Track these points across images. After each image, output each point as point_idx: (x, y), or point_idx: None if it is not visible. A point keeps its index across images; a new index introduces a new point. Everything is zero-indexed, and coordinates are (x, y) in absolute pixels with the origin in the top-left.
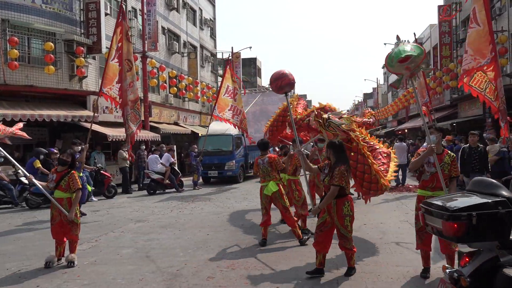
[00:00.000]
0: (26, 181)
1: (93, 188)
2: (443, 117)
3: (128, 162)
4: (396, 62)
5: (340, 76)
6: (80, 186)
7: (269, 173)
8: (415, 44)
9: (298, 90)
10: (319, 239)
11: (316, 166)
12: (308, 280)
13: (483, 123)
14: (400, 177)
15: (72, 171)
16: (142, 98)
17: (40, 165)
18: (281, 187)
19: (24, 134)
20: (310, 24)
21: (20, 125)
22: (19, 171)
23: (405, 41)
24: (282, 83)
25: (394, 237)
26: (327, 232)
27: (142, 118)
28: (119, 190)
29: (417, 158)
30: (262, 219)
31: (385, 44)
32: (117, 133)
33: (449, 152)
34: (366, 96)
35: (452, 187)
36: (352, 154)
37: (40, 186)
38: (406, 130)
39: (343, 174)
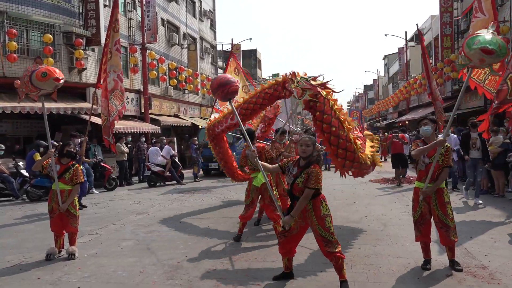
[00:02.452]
0: (26, 174)
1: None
2: (444, 108)
3: (126, 155)
4: (478, 49)
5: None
6: (83, 180)
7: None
8: (503, 41)
9: None
10: (283, 244)
11: (277, 165)
12: (310, 273)
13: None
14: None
15: (77, 165)
16: (142, 90)
17: (40, 158)
18: (271, 177)
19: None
20: (310, 15)
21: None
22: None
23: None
24: (230, 89)
25: (395, 228)
26: (293, 236)
27: (119, 108)
28: None
29: (420, 147)
30: (245, 212)
31: (386, 35)
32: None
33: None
34: (367, 87)
35: (441, 176)
36: (325, 116)
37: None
38: (407, 122)
39: (319, 175)
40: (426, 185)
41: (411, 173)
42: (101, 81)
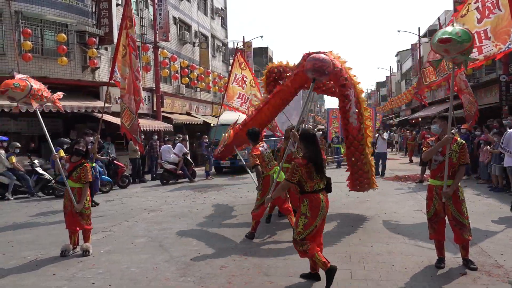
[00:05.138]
0: (41, 172)
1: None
2: (458, 104)
3: (139, 153)
4: (437, 42)
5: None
6: (91, 180)
7: (272, 160)
8: (464, 29)
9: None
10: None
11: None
12: (321, 269)
13: (499, 111)
14: (380, 167)
15: (86, 163)
16: (154, 88)
17: (64, 155)
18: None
19: (61, 106)
20: (322, 12)
21: (60, 94)
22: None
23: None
24: (315, 66)
25: (408, 226)
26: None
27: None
28: None
29: (429, 148)
30: (257, 210)
31: (398, 31)
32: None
33: (458, 139)
34: (379, 84)
35: (458, 175)
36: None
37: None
38: (420, 119)
39: (295, 168)
40: (445, 185)
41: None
42: (125, 79)
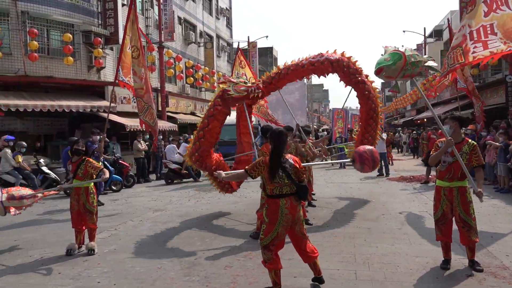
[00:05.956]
0: (47, 171)
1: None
2: (465, 105)
3: (143, 153)
4: (376, 74)
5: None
6: (101, 167)
7: None
8: (393, 51)
9: (314, 79)
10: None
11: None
12: (326, 270)
13: (505, 112)
14: (384, 168)
15: (87, 158)
16: (159, 88)
17: None
18: None
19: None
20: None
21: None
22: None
23: (395, 47)
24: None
25: (413, 227)
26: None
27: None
28: None
29: (436, 151)
30: (261, 209)
31: (404, 31)
32: (134, 123)
33: (470, 140)
34: (384, 85)
35: (478, 177)
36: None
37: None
38: (425, 120)
39: (259, 164)
40: (474, 186)
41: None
42: (141, 79)
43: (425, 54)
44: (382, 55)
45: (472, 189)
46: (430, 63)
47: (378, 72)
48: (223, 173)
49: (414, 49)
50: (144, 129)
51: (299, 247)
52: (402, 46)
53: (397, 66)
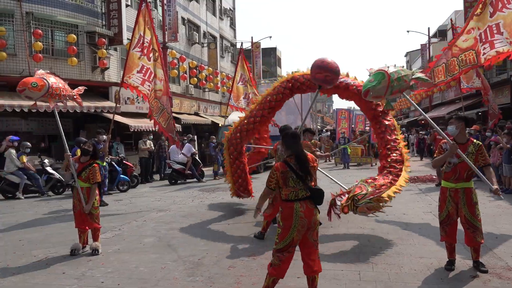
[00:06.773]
0: (51, 171)
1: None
2: (469, 105)
3: (147, 152)
4: (364, 96)
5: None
6: (99, 180)
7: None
8: (376, 71)
9: None
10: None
11: None
12: (329, 271)
13: (511, 112)
14: None
15: (94, 164)
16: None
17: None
18: None
19: (81, 101)
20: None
21: (81, 89)
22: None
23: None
24: (327, 78)
25: (417, 228)
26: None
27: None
28: None
29: (439, 155)
30: (270, 210)
31: (408, 31)
32: (138, 124)
33: (475, 140)
34: None
35: (488, 175)
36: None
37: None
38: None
39: (272, 172)
40: (491, 185)
41: (433, 172)
42: (160, 81)
43: (429, 55)
44: (368, 77)
45: (476, 189)
46: (419, 75)
47: (365, 95)
48: (259, 206)
49: (400, 66)
50: (156, 130)
51: (306, 253)
52: (385, 64)
53: (382, 85)
